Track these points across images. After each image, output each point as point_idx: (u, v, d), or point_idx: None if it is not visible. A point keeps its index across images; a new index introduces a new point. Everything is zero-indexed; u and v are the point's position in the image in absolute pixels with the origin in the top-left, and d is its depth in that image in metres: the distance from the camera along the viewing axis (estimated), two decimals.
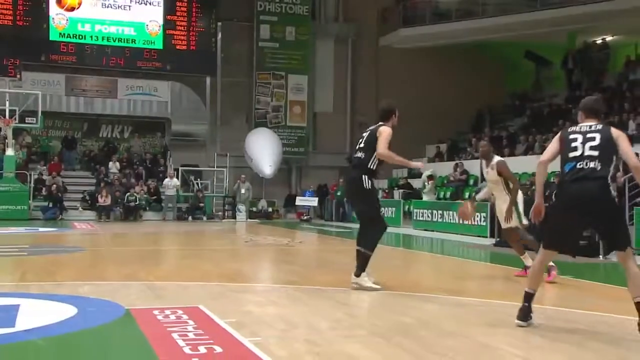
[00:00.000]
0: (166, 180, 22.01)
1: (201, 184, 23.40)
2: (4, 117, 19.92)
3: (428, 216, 17.62)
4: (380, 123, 6.66)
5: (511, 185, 7.82)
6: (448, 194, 19.30)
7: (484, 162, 8.16)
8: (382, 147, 6.42)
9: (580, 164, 4.60)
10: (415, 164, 7.86)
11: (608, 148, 4.60)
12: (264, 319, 5.03)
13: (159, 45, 23.91)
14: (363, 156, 6.52)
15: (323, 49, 26.07)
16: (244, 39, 25.34)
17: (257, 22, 25.09)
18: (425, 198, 18.93)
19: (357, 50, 26.35)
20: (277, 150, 23.22)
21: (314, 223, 21.79)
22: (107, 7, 23.43)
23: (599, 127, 4.73)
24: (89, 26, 23.21)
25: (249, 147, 23.31)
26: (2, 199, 19.43)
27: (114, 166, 23.12)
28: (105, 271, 8.21)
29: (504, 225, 7.93)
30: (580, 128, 4.77)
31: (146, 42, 23.81)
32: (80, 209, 21.27)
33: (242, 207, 22.56)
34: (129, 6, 23.66)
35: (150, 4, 23.91)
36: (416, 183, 20.85)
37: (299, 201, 23.99)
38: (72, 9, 23.03)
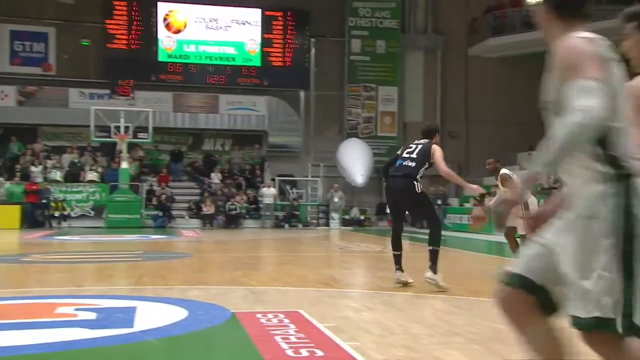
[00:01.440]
0: (264, 190, 22.51)
1: (296, 193, 23.76)
2: (120, 133, 21.08)
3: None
4: (428, 140, 7.10)
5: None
6: (541, 202, 18.57)
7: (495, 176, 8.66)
8: (444, 165, 6.91)
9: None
10: (472, 186, 7.86)
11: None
12: (361, 324, 5.02)
13: (257, 62, 24.57)
14: (414, 166, 6.84)
15: (412, 61, 25.89)
16: (336, 53, 25.58)
17: (348, 37, 25.27)
18: None
19: (446, 60, 25.98)
20: (368, 160, 23.20)
21: (406, 230, 21.53)
22: (210, 28, 24.36)
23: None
24: (193, 47, 24.21)
25: (341, 157, 23.42)
26: (118, 209, 20.53)
27: (216, 177, 23.89)
28: (210, 276, 8.48)
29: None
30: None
31: (245, 59, 24.55)
32: (186, 217, 22.11)
33: (335, 215, 22.70)
34: (230, 27, 24.49)
35: (248, 23, 24.64)
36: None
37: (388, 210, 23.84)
38: (179, 31, 24.11)
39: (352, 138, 24.56)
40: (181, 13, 24.27)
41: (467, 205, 22.25)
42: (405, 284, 7.15)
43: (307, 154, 25.42)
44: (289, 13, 24.89)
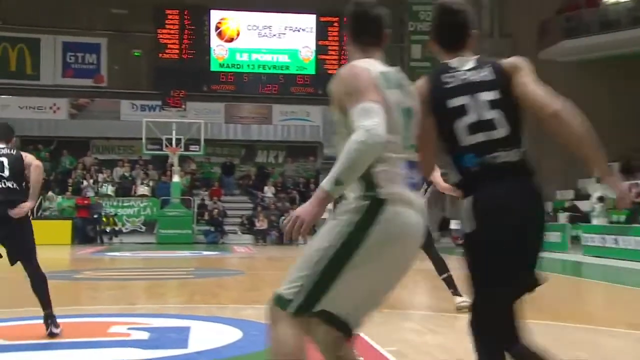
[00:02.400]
0: None
1: None
2: (172, 145, 21.60)
3: (600, 242, 16.50)
4: None
5: None
6: (622, 218, 17.96)
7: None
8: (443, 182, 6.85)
9: None
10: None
11: None
12: (425, 348, 4.96)
13: (311, 70, 24.79)
14: None
15: None
16: (395, 60, 25.52)
17: (408, 42, 25.20)
18: (595, 222, 17.77)
19: None
20: None
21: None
22: (263, 36, 24.75)
23: None
24: (246, 55, 24.64)
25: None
26: (169, 224, 21.00)
27: (269, 191, 24.14)
28: (264, 294, 8.54)
29: None
30: None
31: (299, 68, 24.81)
32: (239, 232, 22.40)
33: None
34: (283, 34, 24.82)
35: (303, 30, 24.91)
36: (584, 205, 19.65)
37: (453, 224, 23.50)
38: (231, 39, 24.61)
39: None
40: (233, 21, 24.76)
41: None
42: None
43: None
44: (345, 18, 24.97)
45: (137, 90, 24.13)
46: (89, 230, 20.91)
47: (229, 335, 5.20)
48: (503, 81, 2.74)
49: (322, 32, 24.93)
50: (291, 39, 24.88)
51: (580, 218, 19.22)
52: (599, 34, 22.35)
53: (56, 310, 5.21)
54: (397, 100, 2.48)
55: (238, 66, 24.59)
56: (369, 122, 2.27)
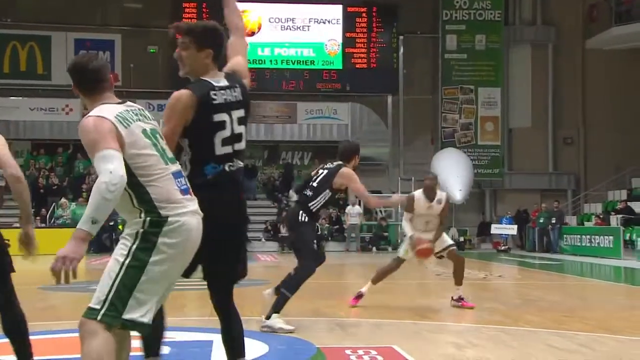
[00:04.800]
0: (349, 208, 22.57)
1: (385, 211, 23.68)
2: None
3: None
4: (340, 163, 6.87)
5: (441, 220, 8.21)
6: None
7: (424, 196, 8.18)
8: (369, 198, 7.65)
9: None
10: (396, 198, 7.84)
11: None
12: None
13: (338, 65, 24.81)
14: (310, 195, 6.62)
15: (518, 57, 25.35)
16: (428, 52, 25.43)
17: (442, 32, 25.08)
18: None
19: (559, 55, 25.28)
20: (467, 173, 22.85)
21: (513, 254, 21.03)
22: (286, 29, 24.84)
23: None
24: (268, 50, 24.75)
25: (436, 169, 23.20)
26: None
27: (294, 194, 24.15)
28: (290, 306, 8.56)
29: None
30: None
31: (325, 62, 24.84)
32: (263, 239, 22.50)
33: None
34: (308, 26, 24.87)
35: (329, 22, 24.94)
36: (638, 207, 19.36)
37: (495, 229, 23.33)
38: (252, 33, 24.72)
39: (448, 148, 24.27)
40: (254, 12, 24.86)
41: (587, 223, 21.45)
42: None
43: (396, 167, 25.32)
44: (373, 8, 25.01)
45: (154, 89, 24.36)
46: (104, 238, 21.16)
47: (255, 349, 5.22)
48: (247, 101, 3.60)
49: (349, 24, 24.91)
50: (316, 31, 24.91)
51: (634, 221, 18.93)
52: None
53: (75, 324, 5.28)
54: (141, 128, 3.09)
55: (260, 62, 24.70)
56: (109, 165, 2.87)
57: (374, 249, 22.27)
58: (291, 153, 26.46)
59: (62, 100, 24.15)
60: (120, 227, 21.28)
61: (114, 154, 2.90)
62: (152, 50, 24.79)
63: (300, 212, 6.63)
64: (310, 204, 6.61)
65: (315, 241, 6.82)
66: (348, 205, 22.81)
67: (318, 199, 6.64)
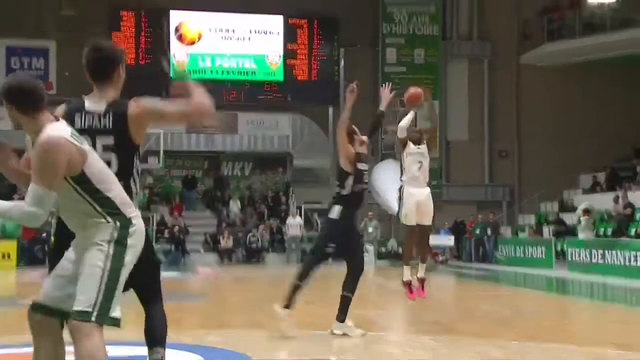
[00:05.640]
0: (289, 220, 22.58)
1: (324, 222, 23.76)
2: None
3: (586, 257, 16.79)
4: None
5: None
6: (609, 231, 18.31)
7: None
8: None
9: None
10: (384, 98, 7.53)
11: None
12: None
13: (279, 76, 24.86)
14: None
15: (455, 71, 25.92)
16: (368, 64, 25.74)
17: (382, 45, 25.44)
18: (581, 236, 18.09)
19: (494, 70, 25.95)
20: None
21: (451, 264, 21.42)
22: (227, 39, 24.74)
23: None
24: (209, 61, 24.62)
25: (376, 181, 23.42)
26: None
27: (234, 205, 24.08)
28: (229, 318, 8.54)
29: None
30: None
31: (266, 73, 24.86)
32: (202, 251, 22.28)
33: (370, 248, 22.64)
34: (249, 37, 24.85)
35: (270, 33, 24.95)
36: (569, 218, 19.99)
37: (433, 240, 23.66)
38: (192, 43, 24.56)
39: (388, 159, 24.54)
40: (194, 23, 24.72)
41: (521, 234, 22.03)
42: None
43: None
44: (314, 21, 25.18)
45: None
46: (36, 250, 20.61)
47: None
48: (121, 128, 3.67)
49: (290, 36, 25.01)
50: (257, 42, 24.89)
51: (565, 232, 19.53)
52: (582, 37, 22.79)
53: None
54: (86, 143, 3.32)
55: (200, 72, 24.54)
56: (42, 209, 3.10)
57: None
58: (232, 164, 26.31)
59: None
60: (53, 238, 20.76)
61: (50, 197, 3.11)
62: None
63: None
64: None
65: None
66: (289, 217, 22.83)
67: None
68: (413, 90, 7.69)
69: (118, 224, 3.23)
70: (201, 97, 3.78)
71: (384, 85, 7.45)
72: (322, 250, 6.65)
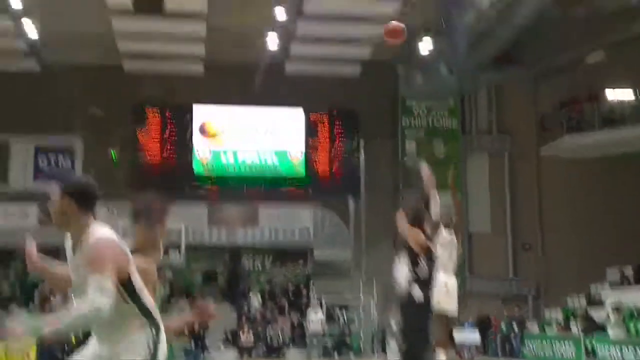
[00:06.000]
0: (311, 315, 22.20)
1: (347, 316, 23.36)
2: None
3: (617, 354, 16.20)
4: None
5: None
6: None
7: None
8: None
9: None
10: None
11: None
12: None
13: (300, 169, 25.11)
14: None
15: (476, 164, 26.03)
16: (388, 156, 25.95)
17: (402, 138, 25.73)
18: (611, 333, 17.53)
19: (515, 163, 26.04)
20: None
21: None
22: (249, 134, 25.18)
23: None
24: (231, 156, 24.98)
25: (398, 273, 23.13)
26: None
27: (255, 299, 23.79)
28: None
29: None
30: None
31: (287, 167, 25.13)
32: (222, 347, 21.86)
33: (392, 342, 22.11)
34: (270, 132, 25.28)
35: (291, 128, 25.39)
36: (597, 313, 19.46)
37: (458, 336, 23.06)
38: (214, 136, 25.00)
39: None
40: (217, 119, 25.25)
41: (548, 329, 21.41)
42: None
43: (358, 270, 25.19)
44: (335, 115, 25.61)
45: (115, 194, 24.11)
46: (56, 350, 20.37)
47: None
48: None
49: (312, 130, 25.41)
50: (279, 137, 25.29)
51: (594, 327, 18.98)
52: (601, 130, 22.87)
53: None
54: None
55: (223, 168, 24.85)
56: (99, 299, 3.10)
57: (337, 355, 21.80)
58: (252, 257, 26.16)
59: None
60: (74, 339, 20.52)
61: (111, 285, 3.15)
62: (113, 156, 24.76)
63: None
64: None
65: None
66: (310, 310, 22.47)
67: None
68: (395, 24, 6.78)
69: (154, 329, 3.38)
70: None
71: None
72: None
